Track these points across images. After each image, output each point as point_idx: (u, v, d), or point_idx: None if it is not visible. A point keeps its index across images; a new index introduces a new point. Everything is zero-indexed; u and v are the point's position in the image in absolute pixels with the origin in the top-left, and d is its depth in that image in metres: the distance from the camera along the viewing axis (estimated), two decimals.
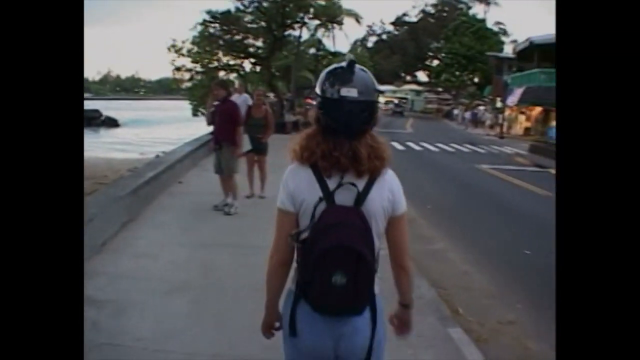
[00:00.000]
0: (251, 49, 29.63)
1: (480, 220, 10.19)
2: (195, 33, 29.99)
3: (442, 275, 6.67)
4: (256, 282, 5.60)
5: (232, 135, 8.29)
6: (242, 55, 29.26)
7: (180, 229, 7.34)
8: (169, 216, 7.94)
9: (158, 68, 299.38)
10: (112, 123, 57.63)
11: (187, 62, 31.23)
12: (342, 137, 2.10)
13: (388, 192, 2.18)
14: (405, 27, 79.43)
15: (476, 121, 47.13)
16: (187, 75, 32.30)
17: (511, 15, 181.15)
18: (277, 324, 2.41)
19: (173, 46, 30.56)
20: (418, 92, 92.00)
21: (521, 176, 16.13)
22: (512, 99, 37.95)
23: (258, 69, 33.64)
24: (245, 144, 9.49)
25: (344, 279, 1.99)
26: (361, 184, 2.12)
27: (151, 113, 73.62)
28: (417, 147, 25.59)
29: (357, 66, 2.14)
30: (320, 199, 2.09)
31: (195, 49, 30.20)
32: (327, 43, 43.63)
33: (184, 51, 30.56)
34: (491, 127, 42.48)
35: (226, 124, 8.26)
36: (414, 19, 78.99)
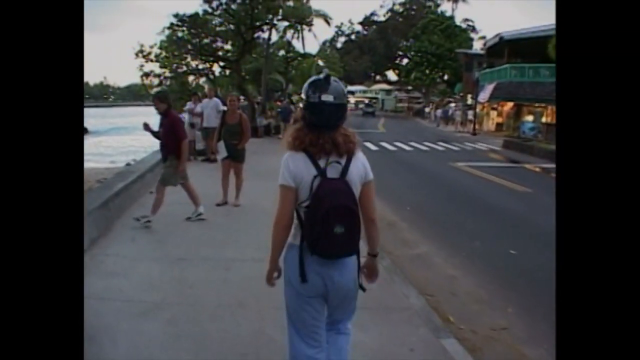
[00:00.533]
0: (220, 53, 29.21)
1: (461, 220, 9.99)
2: (163, 37, 29.48)
3: (428, 281, 6.44)
4: (235, 299, 5.42)
5: (177, 149, 7.81)
6: (211, 59, 28.83)
7: (153, 243, 7.02)
8: (140, 230, 7.57)
9: (127, 74, 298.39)
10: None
11: (155, 67, 30.80)
12: (324, 130, 2.86)
13: (361, 166, 2.99)
14: (374, 27, 79.59)
15: (447, 119, 47.11)
16: (156, 81, 31.80)
17: (479, 12, 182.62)
18: (276, 274, 3.17)
19: (141, 51, 30.02)
20: (388, 92, 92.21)
21: (497, 172, 16.05)
22: (484, 95, 37.93)
23: (228, 72, 33.30)
24: (221, 151, 9.29)
25: (342, 229, 2.76)
26: (342, 162, 2.89)
27: (123, 120, 72.43)
28: (390, 147, 25.36)
29: (332, 78, 2.90)
30: (315, 176, 2.83)
31: (164, 53, 29.74)
32: (297, 45, 43.61)
33: (152, 56, 30.08)
34: (462, 124, 42.33)
35: (169, 138, 7.78)
36: (383, 19, 79.20)
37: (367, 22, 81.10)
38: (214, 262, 6.29)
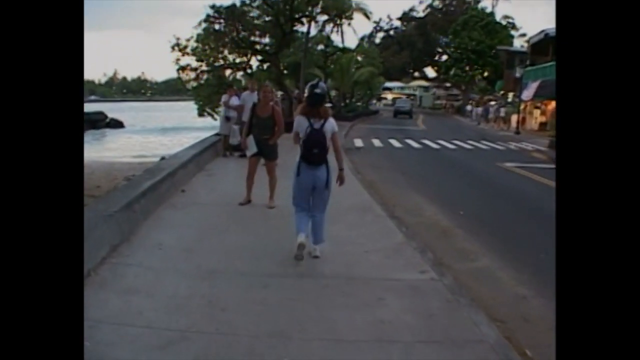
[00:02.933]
0: (258, 47, 28.40)
1: (519, 227, 9.00)
2: (200, 31, 28.83)
3: (496, 303, 5.50)
4: (275, 327, 4.26)
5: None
6: (249, 51, 28.02)
7: (181, 252, 6.16)
8: (168, 235, 6.76)
9: (164, 69, 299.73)
10: (117, 125, 56.69)
11: (192, 61, 30.19)
12: (315, 106, 5.95)
13: (332, 125, 6.01)
14: (413, 23, 78.07)
15: (488, 117, 45.74)
16: (192, 75, 31.21)
17: (519, 8, 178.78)
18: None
19: (177, 45, 29.43)
20: (426, 88, 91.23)
21: (548, 175, 14.86)
22: (527, 93, 36.61)
23: (265, 66, 32.56)
24: (250, 146, 8.46)
25: (317, 150, 5.92)
26: (322, 121, 5.94)
27: (158, 114, 72.40)
28: (434, 145, 24.39)
29: (320, 81, 6.20)
30: (307, 126, 5.91)
31: (200, 46, 29.10)
32: (335, 39, 42.67)
33: (189, 50, 29.47)
34: (504, 122, 41.28)
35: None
36: (422, 14, 77.65)
37: (405, 17, 79.36)
38: (250, 278, 5.42)
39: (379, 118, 52.40)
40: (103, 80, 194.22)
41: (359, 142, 24.30)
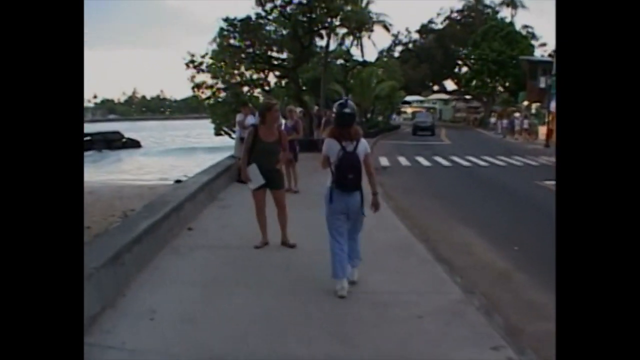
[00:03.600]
0: (275, 62, 27.14)
1: None
2: (215, 47, 27.71)
3: None
4: None
5: None
6: (266, 66, 26.76)
7: (178, 324, 4.72)
8: (164, 295, 5.35)
9: (183, 87, 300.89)
10: (134, 144, 55.74)
11: (207, 78, 29.06)
12: (345, 127, 5.57)
13: (364, 146, 5.67)
14: (432, 35, 76.74)
15: (514, 130, 44.05)
16: (208, 93, 30.08)
17: (539, 19, 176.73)
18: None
19: (192, 61, 28.33)
20: (446, 101, 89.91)
21: None
22: (555, 104, 34.91)
23: (284, 83, 31.35)
24: (254, 178, 7.08)
25: (352, 175, 5.46)
26: (354, 143, 5.55)
27: (176, 132, 71.38)
28: (464, 162, 22.84)
29: (349, 100, 5.83)
30: (339, 150, 5.49)
31: (215, 63, 27.96)
32: (355, 53, 41.36)
33: (204, 66, 28.34)
34: (530, 134, 40.01)
35: None
36: (440, 26, 76.34)
37: (424, 30, 78.06)
38: None
39: (401, 133, 50.78)
40: (122, 99, 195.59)
41: (384, 161, 22.79)
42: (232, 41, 26.10)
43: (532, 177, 17.51)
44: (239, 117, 13.86)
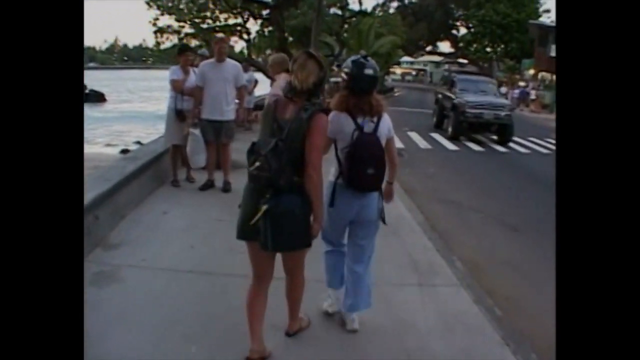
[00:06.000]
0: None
1: None
2: None
3: None
4: None
5: None
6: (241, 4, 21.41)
7: None
8: None
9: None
10: (98, 98, 49.39)
11: (172, 21, 23.81)
12: (363, 95, 3.75)
13: (387, 126, 3.89)
14: None
15: (527, 101, 39.51)
16: (174, 39, 24.83)
17: None
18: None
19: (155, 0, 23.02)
20: (437, 64, 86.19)
21: None
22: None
23: (267, 31, 26.13)
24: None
25: (373, 171, 3.71)
26: (374, 120, 3.80)
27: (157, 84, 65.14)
28: (495, 146, 17.50)
29: (369, 57, 3.83)
30: (354, 130, 3.71)
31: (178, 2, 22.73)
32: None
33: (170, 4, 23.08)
34: (542, 106, 37.16)
35: None
36: None
37: None
38: None
39: (399, 98, 45.44)
40: (104, 47, 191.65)
41: (395, 140, 16.98)
42: None
43: None
44: (173, 72, 7.94)
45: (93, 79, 55.14)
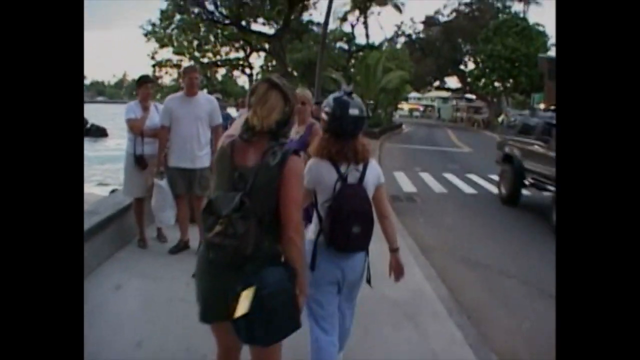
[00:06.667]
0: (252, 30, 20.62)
1: None
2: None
3: None
4: None
5: None
6: (240, 36, 20.34)
7: None
8: None
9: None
10: (99, 133, 48.59)
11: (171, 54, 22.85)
12: (348, 139, 3.23)
13: (375, 172, 3.37)
14: (438, 27, 70.72)
15: None
16: (173, 74, 23.87)
17: (550, 14, 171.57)
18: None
19: (153, 32, 22.04)
20: (445, 99, 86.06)
21: None
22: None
23: (270, 66, 25.05)
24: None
25: (359, 229, 3.16)
26: (360, 168, 3.28)
27: None
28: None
29: (353, 94, 3.32)
30: (337, 180, 3.19)
31: (182, 35, 21.70)
32: (357, 34, 34.79)
33: (166, 40, 22.07)
34: None
35: None
36: (447, 18, 70.38)
37: (430, 21, 72.06)
38: None
39: (408, 134, 44.21)
40: (113, 81, 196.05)
41: (404, 181, 15.61)
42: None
43: None
44: (129, 111, 6.55)
45: (100, 112, 55.02)
